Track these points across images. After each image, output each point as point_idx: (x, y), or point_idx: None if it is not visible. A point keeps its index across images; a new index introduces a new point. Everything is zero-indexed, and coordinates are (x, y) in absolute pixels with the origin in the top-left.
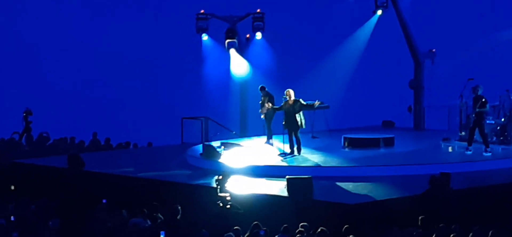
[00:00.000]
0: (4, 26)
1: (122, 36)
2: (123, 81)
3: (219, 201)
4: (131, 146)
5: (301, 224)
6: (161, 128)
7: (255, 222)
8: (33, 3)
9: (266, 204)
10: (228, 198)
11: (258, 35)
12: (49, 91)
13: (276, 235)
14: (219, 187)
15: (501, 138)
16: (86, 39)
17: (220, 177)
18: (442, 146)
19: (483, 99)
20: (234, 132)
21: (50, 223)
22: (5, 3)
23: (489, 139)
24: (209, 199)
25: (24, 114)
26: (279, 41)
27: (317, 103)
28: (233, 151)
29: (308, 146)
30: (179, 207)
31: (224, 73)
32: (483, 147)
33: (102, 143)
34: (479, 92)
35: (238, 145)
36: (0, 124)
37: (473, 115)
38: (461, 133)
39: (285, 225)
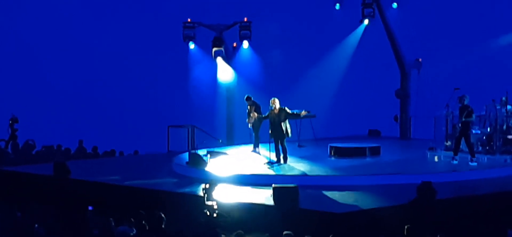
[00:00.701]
0: None
1: (108, 44)
2: (109, 89)
3: (206, 210)
4: (116, 154)
5: (285, 232)
6: (147, 136)
7: (238, 231)
8: (17, 16)
9: (252, 213)
10: (215, 207)
11: (245, 44)
12: (35, 99)
13: None
14: (206, 195)
15: (487, 148)
16: (73, 46)
17: (207, 186)
18: (428, 156)
19: (469, 109)
20: (220, 140)
21: (36, 225)
22: None
23: (475, 149)
24: (195, 208)
25: (10, 121)
26: (266, 50)
27: (303, 113)
28: (219, 159)
29: (294, 155)
30: (163, 215)
31: (211, 82)
32: (469, 156)
33: (89, 150)
34: (466, 102)
35: (224, 153)
36: None
37: (459, 125)
38: (447, 142)
39: (266, 234)
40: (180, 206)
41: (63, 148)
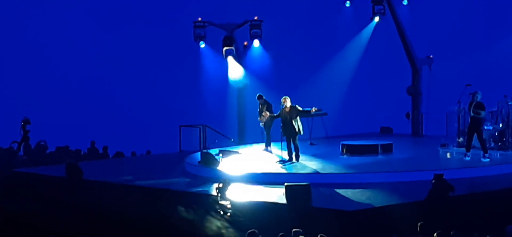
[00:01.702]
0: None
1: (120, 44)
2: (121, 90)
3: (220, 209)
4: (128, 154)
5: (294, 230)
6: (159, 136)
7: (251, 230)
8: (27, 16)
9: (265, 211)
10: (229, 206)
11: (256, 43)
12: (47, 99)
13: None
14: (219, 194)
15: (499, 144)
16: (84, 46)
17: (221, 185)
18: (441, 152)
19: (476, 103)
20: (232, 139)
21: None
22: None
23: (488, 145)
24: (209, 207)
25: (22, 123)
26: (277, 49)
27: (314, 109)
28: (231, 158)
29: (306, 153)
30: None
31: (222, 81)
32: (482, 152)
33: (100, 151)
34: (478, 98)
35: (237, 152)
36: None
37: (469, 120)
38: (459, 139)
39: (281, 234)
40: (193, 205)
41: (74, 149)
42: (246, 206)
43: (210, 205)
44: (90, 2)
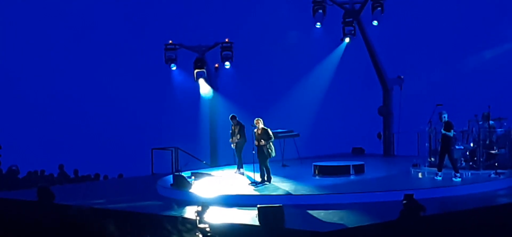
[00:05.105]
0: None
1: (91, 67)
2: (93, 112)
3: (199, 232)
4: (101, 178)
5: None
6: (131, 159)
7: None
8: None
9: (242, 234)
10: (208, 229)
11: (227, 65)
12: (17, 124)
13: None
14: (198, 218)
15: (471, 163)
16: (53, 68)
17: (200, 208)
18: (412, 172)
19: (445, 122)
20: (204, 162)
21: None
22: None
23: (459, 164)
24: (187, 230)
25: None
26: (248, 70)
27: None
28: (204, 180)
29: (278, 174)
30: None
31: (194, 103)
32: (453, 172)
33: (71, 174)
34: (446, 118)
35: (209, 174)
36: None
37: (439, 140)
38: (430, 158)
39: None
40: (168, 229)
41: (47, 173)
42: (223, 228)
43: (189, 228)
44: (59, 24)
